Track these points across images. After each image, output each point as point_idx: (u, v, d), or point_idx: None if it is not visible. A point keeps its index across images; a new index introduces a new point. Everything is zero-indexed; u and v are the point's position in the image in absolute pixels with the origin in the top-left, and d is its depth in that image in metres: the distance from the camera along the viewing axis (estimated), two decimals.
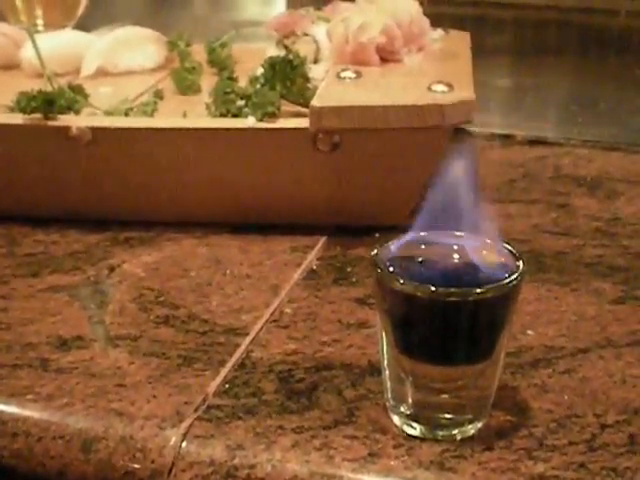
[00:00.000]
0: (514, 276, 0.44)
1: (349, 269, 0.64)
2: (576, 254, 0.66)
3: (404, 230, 0.66)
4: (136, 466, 0.46)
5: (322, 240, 0.67)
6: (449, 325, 0.44)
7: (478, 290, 0.43)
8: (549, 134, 0.90)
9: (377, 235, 0.67)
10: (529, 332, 0.56)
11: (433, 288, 0.43)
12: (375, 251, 0.46)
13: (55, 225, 0.69)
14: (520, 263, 0.45)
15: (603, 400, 0.49)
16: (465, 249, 0.47)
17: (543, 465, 0.44)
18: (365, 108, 0.63)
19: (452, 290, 0.43)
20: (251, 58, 0.82)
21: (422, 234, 0.48)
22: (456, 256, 0.47)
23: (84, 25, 1.07)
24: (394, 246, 0.47)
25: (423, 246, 0.47)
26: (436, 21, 0.83)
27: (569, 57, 1.28)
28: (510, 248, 0.47)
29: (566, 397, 0.50)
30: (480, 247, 0.47)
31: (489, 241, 0.47)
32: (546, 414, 0.48)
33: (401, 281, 0.44)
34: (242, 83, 0.72)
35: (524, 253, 0.64)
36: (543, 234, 0.69)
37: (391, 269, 0.45)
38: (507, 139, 0.89)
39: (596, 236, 0.69)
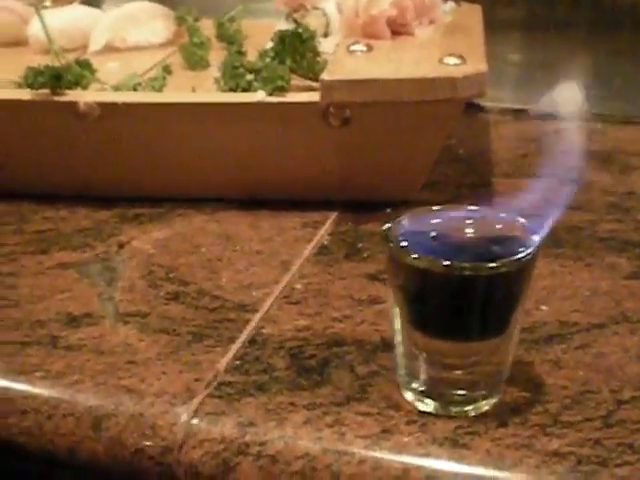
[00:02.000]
0: (529, 251, 0.44)
1: (360, 244, 0.63)
2: (590, 229, 0.65)
3: (415, 205, 0.66)
4: (147, 443, 0.46)
5: (333, 215, 0.67)
6: (463, 300, 0.44)
7: (492, 265, 0.43)
8: (561, 109, 0.89)
9: (388, 210, 0.66)
10: (543, 307, 0.55)
11: (447, 263, 0.43)
12: (387, 225, 0.46)
13: (64, 202, 0.69)
14: (535, 238, 0.44)
15: (618, 376, 0.49)
16: (479, 222, 0.46)
17: (558, 441, 0.44)
18: (376, 81, 0.62)
19: (466, 265, 0.43)
20: (260, 33, 0.81)
21: (434, 208, 0.47)
22: (470, 230, 0.46)
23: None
24: (406, 220, 0.46)
25: (436, 220, 0.46)
26: None
27: (581, 31, 1.26)
28: (525, 222, 0.46)
29: (581, 373, 0.49)
30: (494, 221, 0.46)
31: (503, 214, 0.46)
32: (561, 390, 0.48)
33: (414, 256, 0.43)
34: (251, 57, 0.71)
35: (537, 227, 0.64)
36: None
37: (404, 244, 0.44)
38: (520, 113, 0.88)
39: (610, 211, 0.68)
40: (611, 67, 1.07)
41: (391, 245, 0.44)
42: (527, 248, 0.44)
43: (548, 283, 0.58)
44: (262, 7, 1.18)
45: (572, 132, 0.83)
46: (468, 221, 0.47)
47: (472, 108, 0.86)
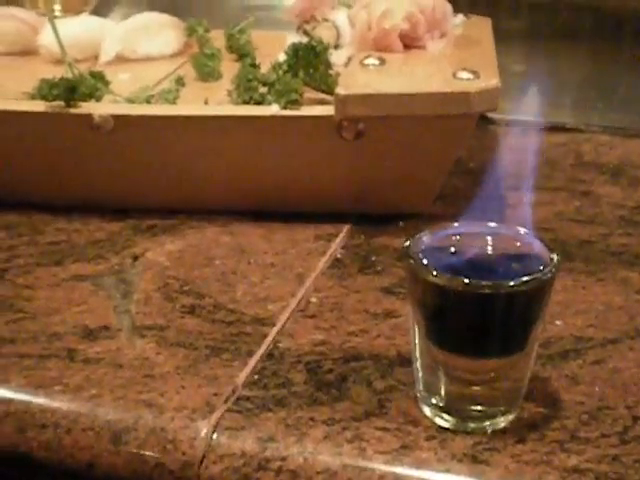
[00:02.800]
0: (548, 268, 0.44)
1: (374, 258, 0.63)
2: (602, 243, 0.65)
3: (427, 218, 0.66)
4: (167, 458, 0.46)
5: (346, 228, 0.67)
6: (482, 317, 0.44)
7: (511, 283, 0.43)
8: (568, 120, 0.90)
9: (401, 223, 0.67)
10: (558, 322, 0.55)
11: (466, 280, 0.43)
12: (407, 242, 0.46)
13: (77, 213, 0.69)
14: (554, 255, 0.45)
15: (634, 391, 0.49)
16: (499, 240, 0.46)
17: (576, 458, 0.44)
18: (391, 96, 0.62)
19: (485, 283, 0.43)
20: (269, 44, 0.82)
21: (455, 224, 0.47)
22: (489, 247, 0.46)
23: (100, 8, 1.06)
24: (426, 237, 0.47)
25: (456, 237, 0.47)
26: (452, 4, 0.82)
27: (585, 41, 1.27)
28: (543, 240, 0.46)
29: (597, 388, 0.49)
30: (513, 238, 0.47)
31: (522, 232, 0.47)
32: (578, 406, 0.48)
33: (434, 273, 0.43)
34: (264, 69, 0.72)
35: (549, 242, 0.64)
36: (567, 222, 0.69)
37: (424, 261, 0.44)
38: (526, 125, 0.88)
39: (621, 224, 0.68)
40: (617, 78, 1.08)
41: (411, 262, 0.44)
42: (546, 266, 0.44)
43: (562, 298, 0.58)
44: (270, 16, 1.19)
45: (580, 145, 0.83)
46: (487, 237, 0.47)
47: (481, 120, 0.86)
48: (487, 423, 0.46)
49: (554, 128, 0.87)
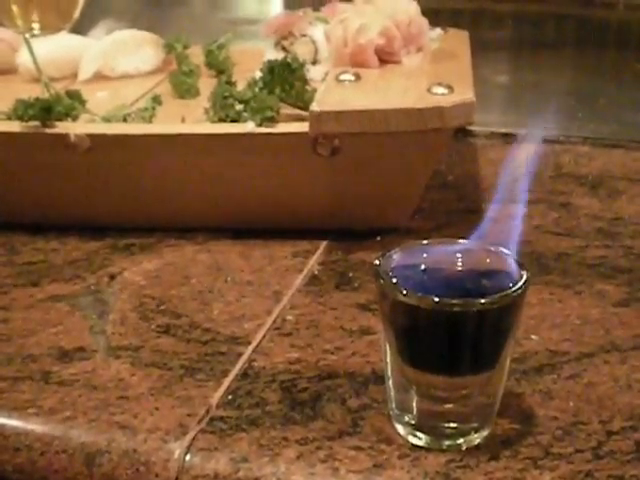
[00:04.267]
0: (518, 285, 0.44)
1: (351, 274, 0.63)
2: (579, 255, 0.65)
3: (405, 233, 0.66)
4: None
5: (323, 244, 0.67)
6: (453, 335, 0.44)
7: (482, 300, 0.43)
8: (548, 131, 0.90)
9: (378, 238, 0.67)
10: (533, 337, 0.55)
11: (436, 299, 0.43)
12: (377, 261, 0.46)
13: (54, 232, 0.69)
14: (524, 272, 0.45)
15: (609, 406, 0.49)
16: (468, 257, 0.46)
17: (549, 474, 0.44)
18: (365, 112, 0.62)
19: (455, 301, 0.43)
20: (249, 59, 0.82)
21: (424, 242, 0.47)
22: (459, 264, 0.46)
23: (80, 25, 1.06)
24: (396, 255, 0.47)
25: (426, 254, 0.47)
26: (434, 16, 0.82)
27: (568, 51, 1.27)
28: (514, 255, 0.46)
29: (571, 403, 0.49)
30: (483, 254, 0.47)
31: (492, 248, 0.47)
32: (551, 421, 0.48)
33: (404, 292, 0.43)
34: (241, 86, 0.72)
35: (526, 255, 0.64)
36: (545, 235, 0.69)
37: (394, 280, 0.44)
38: (507, 137, 0.89)
39: (598, 237, 0.68)
40: (598, 88, 1.08)
41: (381, 281, 0.44)
42: (516, 282, 0.44)
43: (537, 312, 0.58)
44: (251, 30, 1.19)
45: (559, 156, 0.84)
46: (458, 254, 0.47)
47: (460, 133, 0.87)
48: (461, 440, 0.46)
49: (534, 139, 0.86)
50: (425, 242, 0.47)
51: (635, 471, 0.44)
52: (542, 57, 1.22)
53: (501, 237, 0.46)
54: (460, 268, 0.47)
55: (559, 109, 1.01)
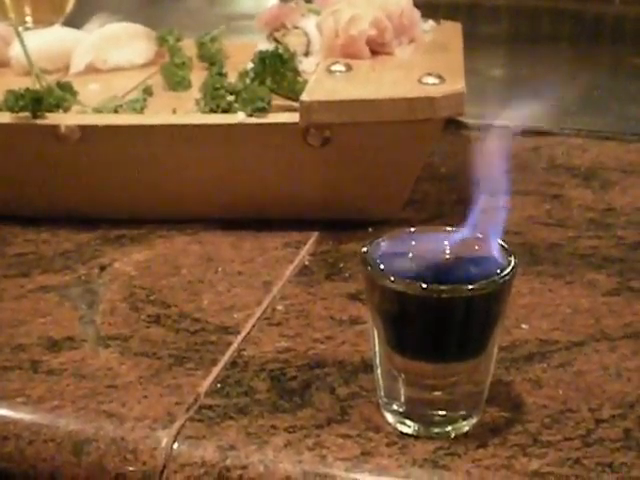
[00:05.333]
0: (506, 271, 0.44)
1: (341, 264, 0.63)
2: (570, 246, 0.65)
3: (397, 224, 0.66)
4: (128, 468, 0.46)
5: (314, 235, 0.67)
6: (441, 322, 0.44)
7: (469, 287, 0.43)
8: (543, 124, 0.90)
9: (370, 229, 0.67)
10: (523, 326, 0.55)
11: (424, 285, 0.43)
12: (365, 248, 0.46)
13: (45, 224, 0.69)
14: (512, 258, 0.45)
15: (598, 394, 0.49)
16: (456, 244, 0.46)
17: (538, 462, 0.44)
18: (355, 102, 0.62)
19: (443, 287, 0.43)
20: (242, 52, 0.82)
21: (412, 230, 0.47)
22: (447, 251, 0.46)
23: (75, 19, 1.06)
24: (384, 242, 0.47)
25: (413, 242, 0.47)
26: (430, 10, 0.82)
27: (563, 45, 1.27)
28: (502, 242, 0.46)
29: (561, 392, 0.49)
30: (471, 241, 0.47)
31: (480, 235, 0.46)
32: (540, 409, 0.48)
33: (392, 278, 0.43)
34: (233, 78, 0.72)
35: (518, 245, 0.64)
36: (537, 226, 0.69)
37: (381, 267, 0.44)
38: (499, 130, 0.88)
39: (590, 227, 0.68)
40: (592, 82, 1.08)
41: (369, 268, 0.44)
42: (504, 269, 0.44)
43: (528, 301, 0.58)
44: (245, 25, 1.19)
45: (552, 148, 0.83)
46: (445, 242, 0.47)
47: (454, 125, 0.86)
48: (450, 428, 0.46)
49: (527, 132, 0.87)
50: (412, 230, 0.47)
51: (624, 459, 0.44)
52: (537, 51, 1.22)
53: (487, 225, 0.46)
54: (447, 255, 0.46)
55: (553, 102, 1.01)
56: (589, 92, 1.02)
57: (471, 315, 0.44)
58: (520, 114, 0.83)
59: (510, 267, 0.44)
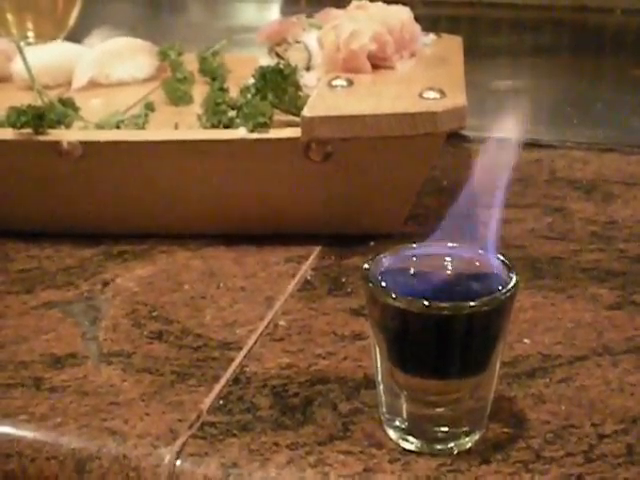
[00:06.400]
0: (508, 288, 0.44)
1: (344, 279, 0.63)
2: (572, 259, 0.65)
3: (399, 238, 0.66)
4: None
5: (316, 250, 0.67)
6: (443, 339, 0.44)
7: (471, 304, 0.43)
8: (544, 136, 0.90)
9: (372, 244, 0.67)
10: (525, 340, 0.55)
11: (426, 303, 0.43)
12: (366, 265, 0.46)
13: (48, 240, 0.69)
14: (513, 275, 0.45)
15: (601, 409, 0.49)
16: (458, 260, 0.46)
17: (540, 478, 0.44)
18: (356, 117, 0.62)
19: (445, 305, 0.43)
20: (243, 67, 0.82)
21: (414, 246, 0.47)
22: (449, 267, 0.46)
23: (76, 34, 1.06)
24: (386, 258, 0.47)
25: (415, 258, 0.47)
26: (431, 23, 0.82)
27: (564, 57, 1.27)
28: (503, 259, 0.46)
29: (563, 407, 0.49)
30: (473, 258, 0.47)
31: (482, 252, 0.47)
32: (543, 425, 0.48)
33: (393, 296, 0.43)
34: (234, 92, 0.72)
35: (520, 259, 0.64)
36: (539, 239, 0.69)
37: (383, 284, 0.44)
38: (502, 142, 0.88)
39: (592, 240, 0.68)
40: (594, 94, 1.08)
41: (370, 285, 0.44)
42: (506, 285, 0.44)
43: (530, 316, 0.58)
44: (247, 37, 1.19)
45: (554, 161, 0.84)
46: (447, 258, 0.47)
47: (456, 138, 0.87)
48: (452, 444, 0.46)
49: (529, 144, 0.87)
50: (415, 246, 0.47)
51: (627, 474, 0.44)
52: (539, 63, 1.23)
53: (482, 239, 0.46)
54: (449, 272, 0.46)
55: (555, 115, 1.01)
56: (590, 104, 1.03)
57: (473, 332, 0.44)
58: (521, 127, 0.84)
59: (512, 284, 0.44)
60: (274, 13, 1.57)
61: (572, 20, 1.42)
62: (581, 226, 0.71)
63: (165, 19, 1.50)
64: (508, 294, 0.44)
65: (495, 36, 1.39)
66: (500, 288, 0.44)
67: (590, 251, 0.67)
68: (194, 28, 1.45)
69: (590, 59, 1.26)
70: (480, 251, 0.46)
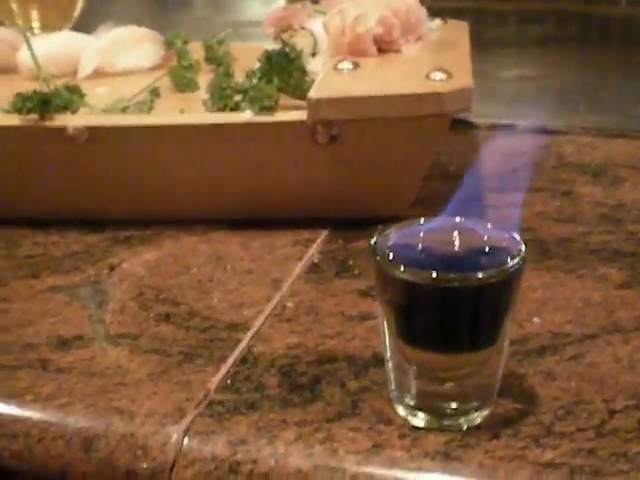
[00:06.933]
0: (516, 260, 0.43)
1: (351, 262, 0.63)
2: (581, 241, 0.65)
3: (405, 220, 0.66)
4: (138, 464, 0.46)
5: (324, 233, 0.66)
6: (451, 312, 0.44)
7: (479, 275, 0.42)
8: (552, 123, 0.89)
9: (379, 227, 0.66)
10: (535, 319, 0.55)
11: (434, 274, 0.42)
12: (374, 239, 0.45)
13: (54, 226, 0.69)
14: (522, 247, 0.44)
15: (611, 385, 0.49)
16: (466, 234, 0.46)
17: (551, 452, 0.44)
18: (363, 98, 0.62)
19: (453, 276, 0.42)
20: (248, 55, 0.81)
21: (421, 220, 0.47)
22: (457, 242, 0.46)
23: (81, 28, 1.06)
24: (393, 234, 0.46)
25: (422, 233, 0.46)
26: (436, 14, 0.82)
27: (571, 47, 1.27)
28: (511, 232, 0.46)
29: (573, 383, 0.49)
30: (480, 232, 0.46)
31: (489, 226, 0.46)
32: (553, 401, 0.47)
33: (401, 268, 0.43)
34: (240, 79, 0.71)
35: (529, 241, 0.64)
36: (547, 221, 0.68)
37: (391, 257, 0.44)
38: (509, 128, 0.88)
39: (601, 222, 0.68)
40: (600, 82, 1.08)
41: (378, 258, 0.44)
42: (514, 258, 0.44)
43: (540, 295, 0.57)
44: (251, 31, 1.19)
45: (562, 146, 0.83)
46: (455, 233, 0.46)
47: (462, 124, 0.86)
48: (462, 420, 0.46)
49: (535, 131, 0.86)
50: (422, 221, 0.47)
51: (638, 448, 0.44)
52: (545, 53, 1.22)
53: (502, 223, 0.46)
54: (457, 246, 0.46)
55: (562, 102, 1.01)
56: (597, 92, 1.02)
57: (481, 304, 0.44)
58: (528, 114, 0.83)
59: (520, 256, 0.44)
60: (278, 3, 1.57)
61: (578, 10, 1.42)
62: (589, 209, 0.70)
63: (171, 14, 1.50)
64: (517, 266, 0.43)
65: (501, 27, 1.39)
66: (508, 260, 0.43)
67: (599, 233, 0.66)
68: (198, 22, 1.45)
69: (596, 49, 1.25)
70: (488, 225, 0.46)
